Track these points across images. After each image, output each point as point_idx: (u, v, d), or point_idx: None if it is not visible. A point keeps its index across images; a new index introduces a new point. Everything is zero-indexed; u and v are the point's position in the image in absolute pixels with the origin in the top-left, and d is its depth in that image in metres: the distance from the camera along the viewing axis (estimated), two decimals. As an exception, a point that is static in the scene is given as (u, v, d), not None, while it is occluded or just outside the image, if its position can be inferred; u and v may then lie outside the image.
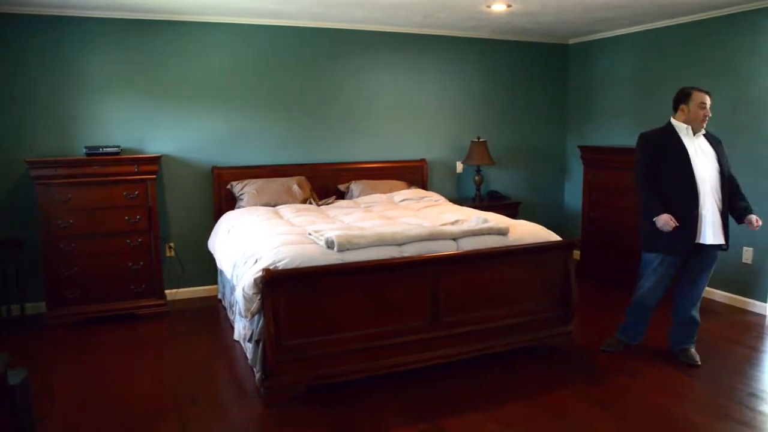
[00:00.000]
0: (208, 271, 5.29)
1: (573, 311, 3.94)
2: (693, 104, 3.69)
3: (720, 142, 3.82)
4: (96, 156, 4.58)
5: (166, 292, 5.04)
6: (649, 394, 3.42)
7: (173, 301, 5.11)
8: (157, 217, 4.76)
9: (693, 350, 3.91)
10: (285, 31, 5.36)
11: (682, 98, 3.75)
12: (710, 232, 3.67)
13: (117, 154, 4.67)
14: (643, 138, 3.84)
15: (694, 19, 5.16)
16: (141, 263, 4.73)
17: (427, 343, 3.54)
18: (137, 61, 4.93)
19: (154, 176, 4.71)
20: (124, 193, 4.62)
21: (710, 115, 3.72)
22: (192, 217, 5.25)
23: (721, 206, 3.71)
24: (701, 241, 3.68)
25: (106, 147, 4.66)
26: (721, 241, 3.71)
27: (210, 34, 5.12)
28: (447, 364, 3.65)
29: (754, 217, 3.70)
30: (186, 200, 5.22)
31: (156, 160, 4.74)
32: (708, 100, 3.70)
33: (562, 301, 3.93)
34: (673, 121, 3.77)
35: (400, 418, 3.16)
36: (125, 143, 4.92)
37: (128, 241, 4.68)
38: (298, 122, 5.51)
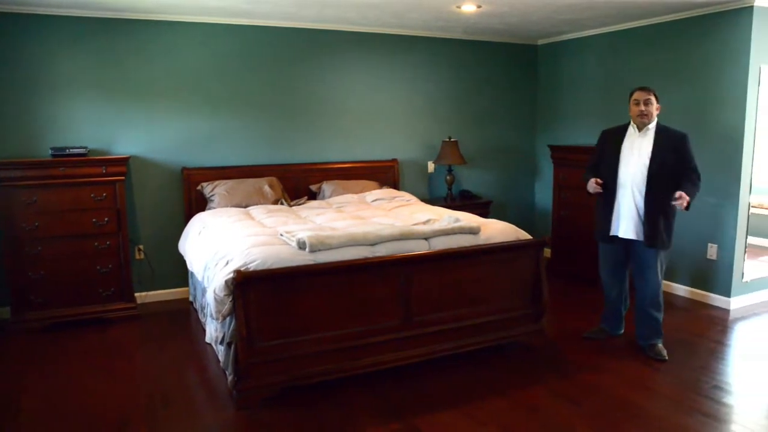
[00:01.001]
0: (179, 273, 5.23)
1: (544, 308, 3.99)
2: (631, 102, 3.91)
3: (676, 139, 3.83)
4: (62, 157, 4.49)
5: (136, 295, 4.98)
6: (619, 389, 3.48)
7: (143, 304, 5.04)
8: (125, 219, 4.69)
9: (660, 345, 4.00)
10: (256, 30, 5.32)
11: (629, 98, 3.97)
12: (624, 225, 3.91)
13: (84, 155, 4.59)
14: (601, 133, 4.17)
15: (657, 22, 5.27)
16: (110, 266, 4.66)
17: (400, 342, 3.56)
18: (105, 60, 4.85)
19: (123, 177, 4.64)
20: (92, 195, 4.55)
21: (645, 110, 3.82)
22: (162, 218, 5.19)
23: (642, 204, 3.81)
24: (615, 233, 3.95)
25: (72, 148, 4.57)
26: (633, 236, 3.87)
27: (179, 34, 5.06)
28: (420, 363, 3.66)
29: (683, 193, 3.60)
30: (156, 202, 5.15)
31: (124, 161, 4.67)
32: (642, 97, 3.83)
33: (533, 299, 3.98)
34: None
35: (373, 417, 3.17)
36: (92, 144, 4.84)
37: (96, 243, 4.60)
38: (269, 122, 5.48)
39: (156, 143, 5.09)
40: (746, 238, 4.89)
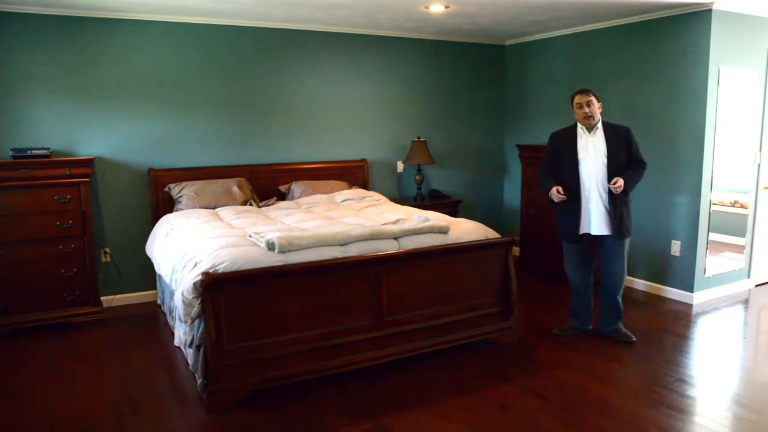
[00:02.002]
0: (147, 276, 5.16)
1: (513, 306, 4.03)
2: (574, 106, 4.03)
3: (622, 133, 4.02)
4: (23, 159, 4.38)
5: (102, 298, 4.89)
6: (587, 385, 3.54)
7: (110, 308, 4.96)
8: (91, 221, 4.60)
9: (624, 329, 4.20)
10: (224, 30, 5.27)
11: (570, 102, 4.09)
12: (594, 223, 4.02)
13: (47, 156, 4.49)
14: (550, 136, 4.24)
15: (621, 23, 5.36)
16: (74, 270, 4.57)
17: (371, 342, 3.57)
18: (68, 59, 4.75)
19: (87, 179, 4.56)
20: (55, 197, 4.45)
21: (588, 112, 3.94)
22: (128, 220, 5.11)
23: (607, 200, 3.98)
24: (586, 232, 4.04)
25: (34, 149, 4.46)
26: (605, 232, 4.01)
27: (146, 33, 4.99)
28: (391, 362, 3.68)
29: (620, 180, 3.84)
30: (122, 204, 5.07)
31: (89, 162, 4.58)
32: (584, 100, 3.96)
33: (502, 297, 4.02)
34: None
35: (345, 418, 3.17)
36: (55, 145, 4.74)
37: (60, 247, 4.51)
38: (237, 123, 5.44)
39: (122, 144, 5.00)
40: (708, 234, 5.01)
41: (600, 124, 4.00)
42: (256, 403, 3.29)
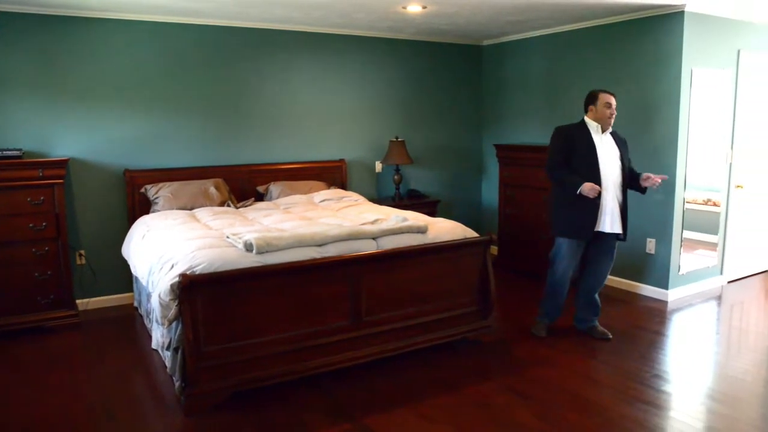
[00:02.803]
0: (123, 278, 5.09)
1: (492, 305, 4.06)
2: (600, 104, 4.01)
3: (625, 142, 4.17)
4: (-5, 160, 4.31)
5: (78, 302, 4.82)
6: (565, 382, 3.58)
7: (86, 311, 4.89)
8: (65, 223, 4.53)
9: (600, 326, 4.27)
10: (200, 29, 5.23)
11: (590, 99, 4.08)
12: (608, 221, 4.03)
13: (19, 157, 4.41)
14: (557, 130, 4.14)
15: (597, 24, 5.43)
16: (49, 273, 4.49)
17: (350, 342, 3.56)
18: (42, 58, 4.67)
19: (62, 181, 4.48)
20: (28, 199, 4.37)
21: (615, 113, 4.04)
22: (104, 222, 5.04)
23: (621, 200, 4.06)
24: (601, 229, 4.03)
25: (5, 150, 4.38)
26: (618, 230, 4.06)
27: (121, 32, 4.92)
28: (371, 362, 3.68)
29: (651, 175, 4.05)
30: (97, 205, 5.00)
31: (63, 163, 4.51)
32: (613, 101, 4.03)
33: (481, 296, 4.04)
34: (586, 119, 4.09)
35: (325, 419, 3.16)
36: (28, 146, 4.66)
37: (34, 249, 4.43)
38: (214, 123, 5.40)
39: (97, 145, 4.93)
40: (682, 232, 5.09)
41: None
42: (236, 406, 3.27)
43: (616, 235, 4.10)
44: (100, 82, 4.89)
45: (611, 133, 4.10)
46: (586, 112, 4.11)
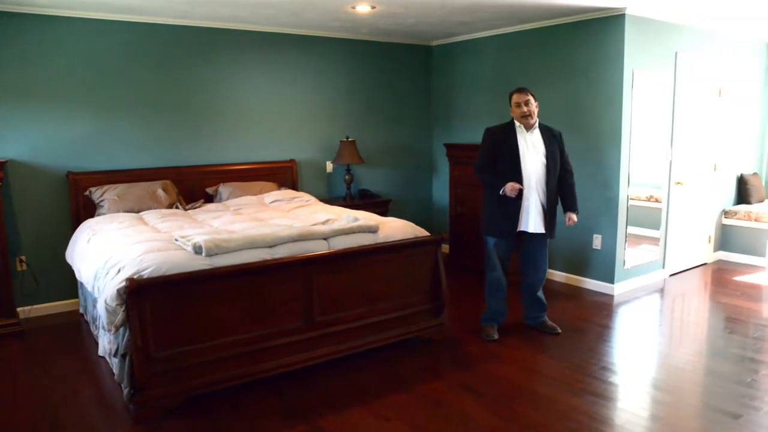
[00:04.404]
0: (67, 284, 4.94)
1: (444, 303, 4.10)
2: (512, 105, 4.09)
3: (557, 136, 4.16)
4: (-73, 164, 4.12)
5: (19, 309, 4.65)
6: (516, 377, 3.65)
7: (28, 319, 4.73)
8: (3, 228, 4.37)
9: (549, 321, 4.36)
10: (147, 28, 5.11)
11: (508, 100, 4.13)
12: (532, 221, 4.08)
13: (-47, 161, 4.24)
14: (485, 131, 4.21)
15: (543, 26, 5.54)
16: (-13, 280, 4.33)
17: (303, 343, 3.55)
18: (-26, 58, 4.50)
19: (-1, 184, 4.33)
20: (-36, 204, 4.21)
21: (527, 111, 4.02)
22: (46, 227, 4.87)
23: (545, 199, 4.08)
24: (523, 229, 4.09)
25: (-61, 153, 4.21)
26: (541, 230, 4.10)
27: (64, 29, 4.76)
28: (325, 363, 3.67)
29: (573, 216, 4.18)
30: (38, 209, 4.83)
31: (0, 165, 4.34)
32: (523, 99, 4.03)
33: (433, 294, 4.08)
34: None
35: (279, 421, 3.14)
36: (-37, 149, 4.48)
37: (-29, 256, 4.26)
38: (162, 124, 5.28)
39: (37, 146, 4.77)
40: (626, 228, 5.26)
41: (537, 124, 4.09)
42: (188, 411, 3.22)
43: (542, 234, 4.13)
44: (41, 81, 4.73)
45: (544, 129, 4.11)
46: None
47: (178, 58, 5.30)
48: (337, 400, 3.37)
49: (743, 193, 6.62)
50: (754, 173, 6.77)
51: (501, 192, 3.98)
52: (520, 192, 3.97)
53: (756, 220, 6.22)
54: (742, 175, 6.64)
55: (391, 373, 3.72)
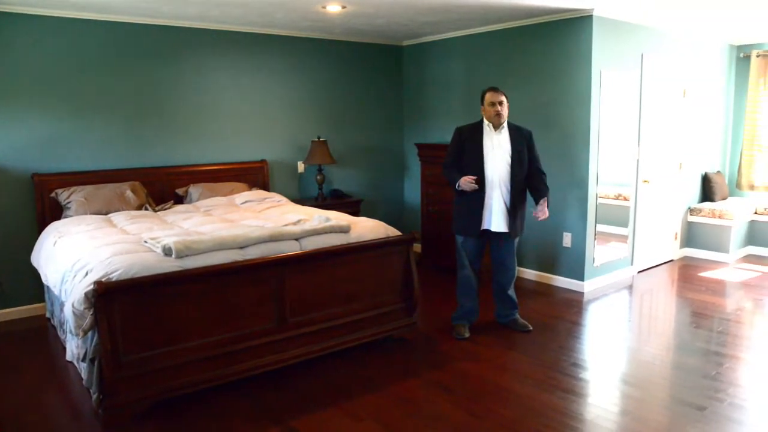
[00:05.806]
0: (33, 288, 4.83)
1: (416, 302, 4.12)
2: (485, 103, 4.10)
3: (526, 135, 4.19)
4: None
5: (-17, 314, 4.55)
6: (488, 374, 3.68)
7: (-8, 324, 4.63)
8: (-34, 232, 4.27)
9: (521, 319, 4.40)
10: (114, 26, 5.02)
11: (480, 99, 4.15)
12: (495, 220, 4.12)
13: None
14: (455, 130, 4.25)
15: (512, 26, 5.60)
16: (-51, 285, 4.22)
17: (276, 345, 3.53)
18: (-67, 57, 4.38)
19: (-39, 187, 4.22)
20: (-76, 207, 4.09)
21: (501, 110, 4.05)
22: (10, 229, 4.76)
23: (508, 198, 4.11)
24: (486, 228, 4.13)
25: None
26: (504, 229, 4.13)
27: (26, 27, 4.65)
28: (297, 364, 3.66)
29: (545, 206, 4.14)
30: (2, 211, 4.72)
31: (-38, 168, 4.25)
32: (497, 98, 4.06)
33: (405, 294, 4.09)
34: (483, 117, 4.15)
35: (251, 423, 3.12)
36: None
37: (-68, 260, 4.15)
38: (130, 124, 5.20)
39: (0, 147, 4.66)
40: (596, 226, 5.34)
41: (506, 124, 4.12)
42: (158, 416, 3.17)
43: (507, 233, 4.16)
44: (4, 80, 4.62)
45: (513, 129, 4.14)
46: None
47: (146, 57, 5.22)
48: (310, 400, 3.36)
49: (707, 190, 6.77)
50: (718, 171, 6.94)
51: (457, 186, 4.04)
52: (482, 188, 4.00)
53: (720, 217, 6.37)
54: (706, 173, 6.80)
55: (363, 372, 3.72)
